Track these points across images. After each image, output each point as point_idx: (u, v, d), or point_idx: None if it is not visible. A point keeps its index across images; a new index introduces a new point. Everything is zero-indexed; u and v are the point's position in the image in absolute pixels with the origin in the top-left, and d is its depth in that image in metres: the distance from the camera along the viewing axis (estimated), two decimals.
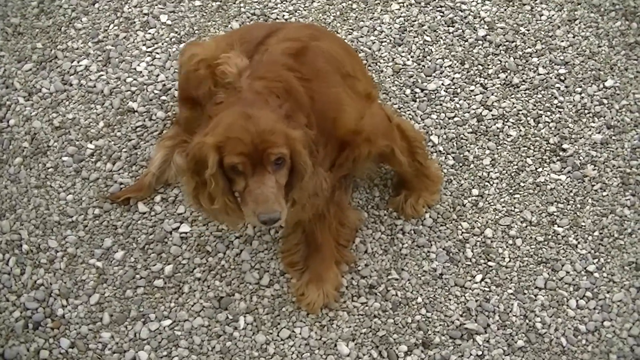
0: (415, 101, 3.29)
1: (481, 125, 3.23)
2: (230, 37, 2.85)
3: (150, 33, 3.47)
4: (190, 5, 3.55)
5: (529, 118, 3.23)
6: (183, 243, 2.95)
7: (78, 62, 3.39)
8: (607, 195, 3.08)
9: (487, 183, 3.09)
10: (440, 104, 3.29)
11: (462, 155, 3.16)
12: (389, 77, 3.35)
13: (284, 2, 3.57)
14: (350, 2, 3.57)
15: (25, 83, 3.33)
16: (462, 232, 2.99)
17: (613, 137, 3.22)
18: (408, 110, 3.26)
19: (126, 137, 3.18)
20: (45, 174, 3.09)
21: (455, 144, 3.19)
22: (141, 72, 3.35)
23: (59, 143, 3.17)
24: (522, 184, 3.09)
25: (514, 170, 3.11)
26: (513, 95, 3.30)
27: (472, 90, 3.32)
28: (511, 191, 3.07)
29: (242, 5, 3.55)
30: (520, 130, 3.21)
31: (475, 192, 3.07)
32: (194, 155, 2.41)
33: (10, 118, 3.23)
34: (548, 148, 3.16)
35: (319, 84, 2.65)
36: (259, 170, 2.37)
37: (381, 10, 3.55)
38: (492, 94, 3.30)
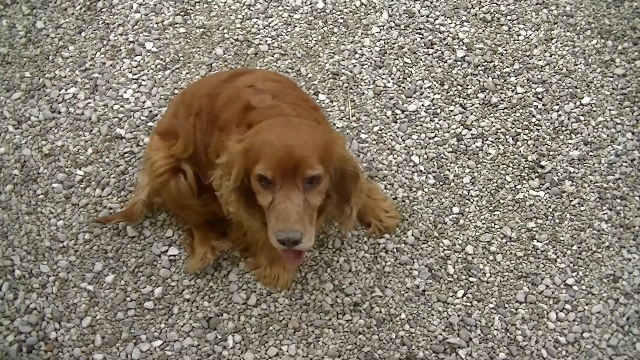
0: (396, 122, 3.48)
1: (461, 144, 3.42)
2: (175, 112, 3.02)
3: (136, 60, 3.65)
4: (174, 33, 3.74)
5: (507, 136, 3.42)
6: (172, 265, 3.12)
7: (66, 90, 3.57)
8: (585, 210, 3.27)
9: (467, 201, 3.28)
10: (421, 125, 3.47)
11: (442, 175, 3.34)
12: (370, 100, 3.53)
13: (267, 28, 3.76)
14: (331, 26, 3.77)
15: (15, 112, 3.51)
16: (444, 249, 3.16)
17: (590, 153, 3.41)
18: (389, 132, 3.44)
19: (114, 163, 3.35)
20: (36, 201, 3.26)
21: (435, 164, 3.37)
22: (128, 99, 3.53)
23: (49, 170, 3.34)
24: (501, 201, 3.27)
25: (494, 187, 3.30)
26: (492, 115, 3.49)
27: (451, 111, 3.51)
28: (491, 208, 3.26)
29: (225, 31, 3.74)
30: (499, 149, 3.40)
31: (455, 210, 3.25)
32: (226, 161, 2.51)
33: (0, 146, 3.42)
34: (527, 165, 3.35)
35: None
36: (287, 184, 2.37)
37: (362, 33, 3.75)
38: (472, 114, 3.50)
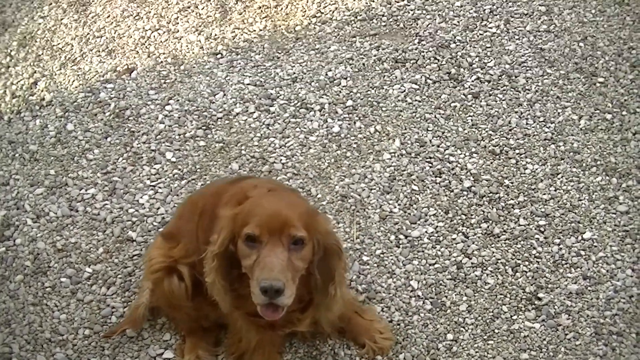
0: (399, 247, 3.61)
1: (460, 272, 3.52)
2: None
3: (155, 168, 3.88)
4: (195, 145, 3.98)
5: (507, 267, 3.53)
6: None
7: (86, 190, 3.79)
8: (580, 344, 3.31)
9: (462, 328, 3.35)
10: (422, 251, 3.60)
11: (439, 301, 3.43)
12: (375, 223, 3.69)
13: (282, 147, 3.99)
14: (345, 150, 3.98)
15: (35, 206, 3.72)
16: None
17: (589, 288, 3.48)
18: (391, 256, 3.57)
19: (122, 264, 3.52)
20: (43, 293, 3.41)
21: (434, 290, 3.47)
22: (143, 204, 3.73)
23: (59, 264, 3.51)
24: (496, 331, 3.34)
25: (490, 317, 3.38)
26: (493, 245, 3.61)
27: (454, 239, 3.64)
28: (485, 337, 3.32)
29: (243, 148, 3.98)
30: (498, 279, 3.50)
31: (450, 336, 3.32)
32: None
33: (17, 237, 3.60)
34: (524, 297, 3.44)
35: None
36: (273, 241, 2.57)
37: (373, 159, 3.95)
38: (473, 243, 3.62)
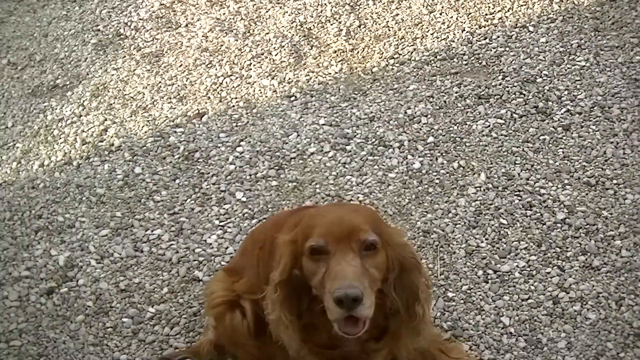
0: (487, 282, 3.29)
1: (557, 307, 3.17)
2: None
3: (224, 208, 3.70)
4: (266, 185, 3.79)
5: (610, 301, 3.16)
6: None
7: (152, 231, 3.63)
8: None
9: None
10: (514, 286, 3.27)
11: (534, 338, 3.08)
12: (461, 259, 3.39)
13: (360, 185, 3.76)
14: (426, 186, 3.73)
15: (100, 247, 3.57)
16: None
17: None
18: (479, 292, 3.25)
19: (187, 304, 3.30)
20: (104, 333, 3.22)
21: (527, 326, 3.12)
22: (211, 244, 3.54)
23: (122, 305, 3.32)
24: None
25: (593, 354, 3.00)
26: (593, 278, 3.25)
27: (548, 273, 3.30)
28: None
29: (317, 187, 3.77)
30: (600, 314, 3.12)
31: None
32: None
33: (80, 278, 3.44)
34: (631, 332, 3.05)
35: None
36: (342, 249, 2.27)
37: (457, 194, 3.68)
38: (570, 276, 3.27)
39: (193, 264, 3.46)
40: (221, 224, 3.65)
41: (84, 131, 4.21)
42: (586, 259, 3.35)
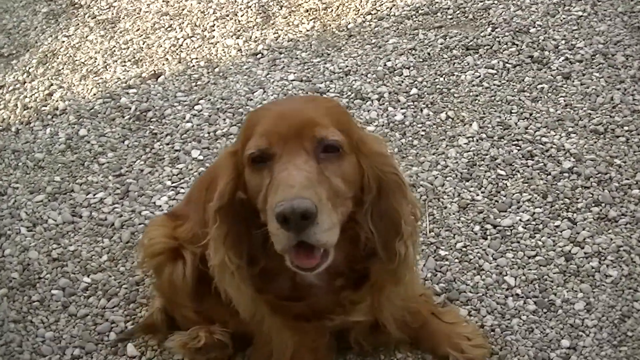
0: (486, 238, 2.62)
1: (571, 264, 2.50)
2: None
3: (178, 168, 3.02)
4: (227, 143, 3.09)
5: (633, 255, 2.49)
6: None
7: (94, 194, 2.94)
8: None
9: (581, 333, 2.29)
10: (518, 242, 2.59)
11: (546, 300, 2.40)
12: (453, 214, 2.72)
13: None
14: (410, 138, 3.06)
15: (33, 214, 2.88)
16: None
17: None
18: (476, 249, 2.58)
19: (129, 272, 2.61)
20: (29, 308, 2.51)
21: (537, 287, 2.44)
22: (160, 206, 2.85)
23: (52, 275, 2.62)
24: (629, 334, 2.27)
25: (617, 316, 2.32)
26: (611, 230, 2.58)
27: (557, 226, 2.63)
28: (615, 342, 2.25)
29: None
30: (623, 270, 2.45)
31: (565, 343, 2.26)
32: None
33: (6, 248, 2.75)
34: None
35: None
36: (290, 149, 1.59)
37: (446, 145, 3.01)
38: (584, 229, 2.60)
39: (138, 228, 2.76)
40: (173, 184, 2.96)
41: (26, 97, 3.52)
42: (600, 210, 2.68)
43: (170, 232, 2.19)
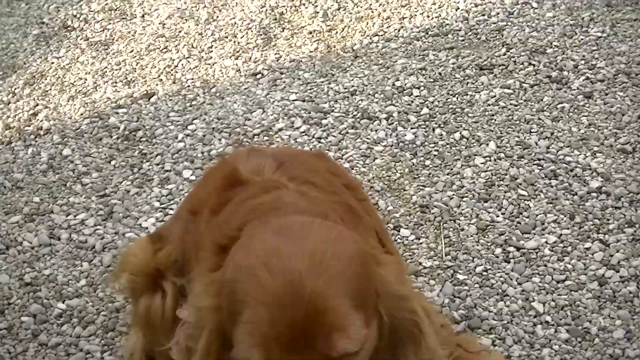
0: (509, 262, 2.34)
1: (606, 289, 2.22)
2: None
3: (167, 189, 2.75)
4: None
5: None
6: None
7: (74, 216, 2.66)
8: None
9: None
10: (544, 265, 2.32)
11: (580, 328, 2.12)
12: (471, 236, 2.44)
13: (339, 160, 2.81)
14: (421, 158, 2.80)
15: (7, 235, 2.59)
16: None
17: None
18: (498, 273, 2.30)
19: (109, 299, 2.33)
20: None
21: (569, 313, 2.16)
22: (147, 227, 2.58)
23: (22, 301, 2.33)
24: None
25: None
26: None
27: (587, 248, 2.36)
28: None
29: None
30: None
31: None
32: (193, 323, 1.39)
33: None
34: None
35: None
36: None
37: (462, 165, 2.75)
38: (618, 252, 2.33)
39: (121, 250, 2.48)
40: (162, 205, 2.68)
41: (9, 117, 3.25)
42: (635, 232, 2.41)
43: (150, 256, 1.91)
